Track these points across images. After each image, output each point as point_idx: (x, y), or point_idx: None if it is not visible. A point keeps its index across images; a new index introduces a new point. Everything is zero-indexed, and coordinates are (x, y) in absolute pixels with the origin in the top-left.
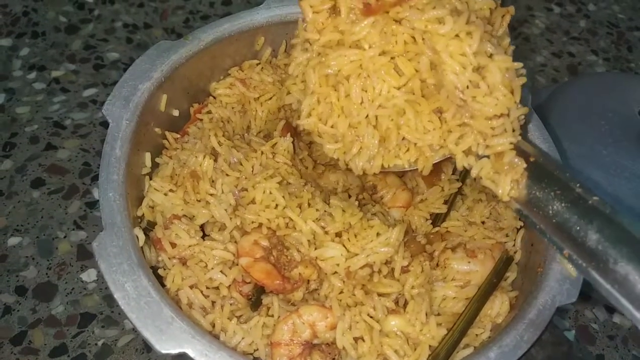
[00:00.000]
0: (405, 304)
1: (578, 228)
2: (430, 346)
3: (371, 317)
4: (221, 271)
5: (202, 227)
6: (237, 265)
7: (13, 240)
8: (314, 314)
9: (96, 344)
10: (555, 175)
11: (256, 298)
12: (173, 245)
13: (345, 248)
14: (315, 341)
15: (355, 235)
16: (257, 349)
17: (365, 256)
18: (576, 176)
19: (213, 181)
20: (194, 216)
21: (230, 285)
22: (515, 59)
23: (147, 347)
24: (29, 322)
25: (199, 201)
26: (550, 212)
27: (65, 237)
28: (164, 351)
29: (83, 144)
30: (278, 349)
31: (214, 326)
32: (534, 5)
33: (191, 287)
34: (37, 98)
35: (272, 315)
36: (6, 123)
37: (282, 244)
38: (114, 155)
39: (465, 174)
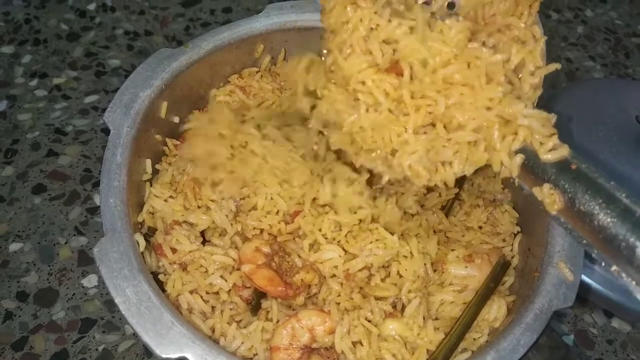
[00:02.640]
0: (403, 308)
1: (625, 244)
2: (428, 350)
3: (369, 321)
4: (221, 276)
5: (202, 233)
6: (237, 270)
7: (14, 246)
8: (313, 318)
9: (97, 349)
10: (599, 184)
11: (256, 302)
12: (174, 250)
13: (344, 250)
14: (314, 345)
15: (354, 237)
16: (257, 354)
17: (364, 257)
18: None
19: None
20: (192, 224)
21: (230, 290)
22: None
23: (148, 353)
24: (30, 328)
25: (200, 207)
26: (596, 225)
27: (66, 243)
28: (164, 355)
29: (84, 151)
30: (277, 354)
31: (213, 331)
32: None
33: (191, 292)
34: (39, 105)
35: (272, 320)
36: (8, 130)
37: (283, 250)
38: (115, 161)
39: (462, 179)
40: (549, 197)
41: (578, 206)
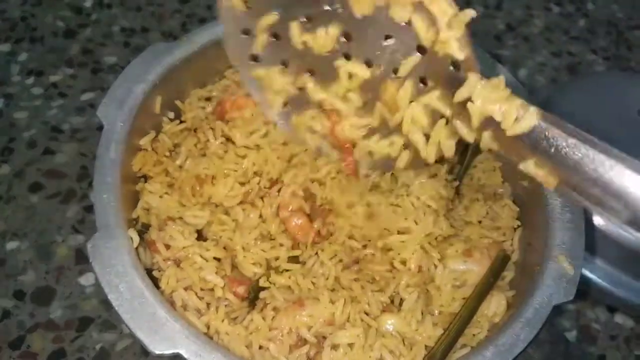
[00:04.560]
0: (401, 303)
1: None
2: (426, 346)
3: (367, 314)
4: (216, 273)
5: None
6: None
7: (11, 245)
8: (316, 308)
9: (94, 348)
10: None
11: (253, 296)
12: (167, 247)
13: None
14: (311, 333)
15: None
16: (252, 350)
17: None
18: None
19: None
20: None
21: (224, 286)
22: (514, 59)
23: (145, 351)
24: (27, 327)
25: (196, 205)
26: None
27: (63, 241)
28: (157, 352)
29: (81, 148)
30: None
31: (208, 328)
32: (532, 4)
33: (186, 289)
34: (35, 103)
35: (272, 309)
36: (4, 128)
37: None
38: (108, 157)
39: (463, 173)
40: (539, 174)
41: (569, 180)
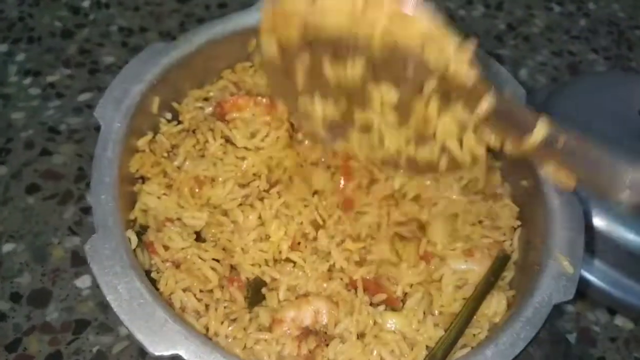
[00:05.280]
0: (404, 300)
1: None
2: (427, 347)
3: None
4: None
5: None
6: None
7: (7, 247)
8: (322, 303)
9: (91, 351)
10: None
11: (252, 295)
12: (166, 248)
13: None
14: (315, 327)
15: None
16: (251, 351)
17: None
18: None
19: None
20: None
21: (223, 288)
22: (515, 59)
23: (142, 354)
24: (23, 329)
25: (194, 206)
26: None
27: (59, 243)
28: (157, 353)
29: (78, 149)
30: (280, 326)
31: (207, 329)
32: (533, 4)
33: (184, 290)
34: (33, 103)
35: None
36: (1, 129)
37: None
38: (105, 157)
39: None
40: (558, 177)
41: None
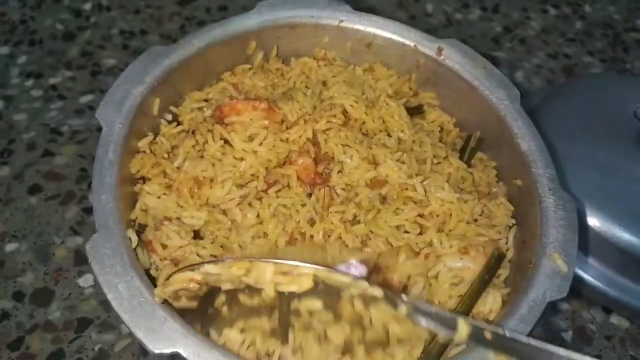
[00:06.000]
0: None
1: None
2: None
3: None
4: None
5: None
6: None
7: (10, 247)
8: None
9: (93, 349)
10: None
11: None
12: (164, 246)
13: None
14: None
15: None
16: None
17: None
18: (572, 178)
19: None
20: (185, 222)
21: None
22: (511, 61)
23: (144, 351)
24: (26, 328)
25: (193, 206)
26: None
27: (62, 242)
28: (156, 351)
29: (80, 150)
30: None
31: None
32: (529, 7)
33: None
34: (35, 105)
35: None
36: (3, 130)
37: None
38: (107, 158)
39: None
40: None
41: None
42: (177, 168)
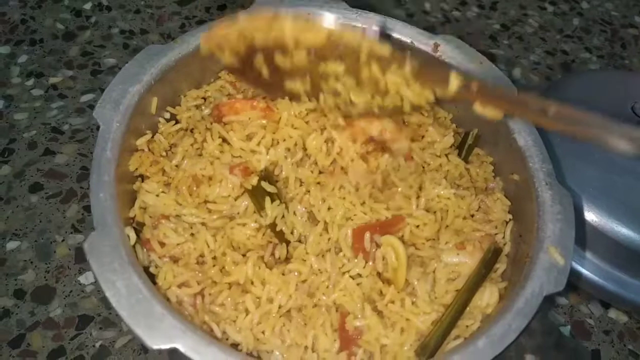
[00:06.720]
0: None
1: None
2: (417, 332)
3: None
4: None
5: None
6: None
7: (12, 245)
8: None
9: (94, 346)
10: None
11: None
12: (162, 244)
13: None
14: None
15: None
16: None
17: None
18: (569, 173)
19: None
20: (184, 220)
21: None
22: (509, 58)
23: (145, 348)
24: (27, 325)
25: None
26: None
27: (63, 240)
28: (155, 347)
29: (81, 149)
30: None
31: (204, 323)
32: (527, 4)
33: (180, 286)
34: (35, 104)
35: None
36: (4, 129)
37: None
38: (104, 156)
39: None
40: (486, 112)
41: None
42: (176, 166)
